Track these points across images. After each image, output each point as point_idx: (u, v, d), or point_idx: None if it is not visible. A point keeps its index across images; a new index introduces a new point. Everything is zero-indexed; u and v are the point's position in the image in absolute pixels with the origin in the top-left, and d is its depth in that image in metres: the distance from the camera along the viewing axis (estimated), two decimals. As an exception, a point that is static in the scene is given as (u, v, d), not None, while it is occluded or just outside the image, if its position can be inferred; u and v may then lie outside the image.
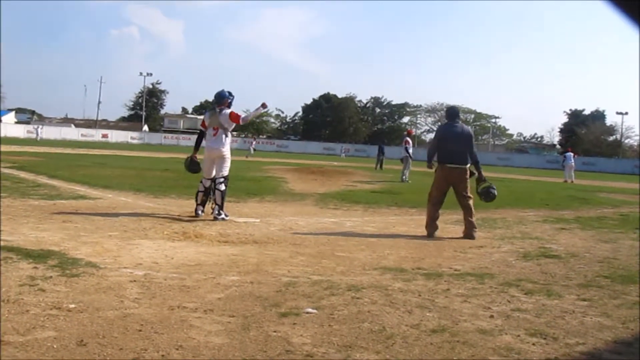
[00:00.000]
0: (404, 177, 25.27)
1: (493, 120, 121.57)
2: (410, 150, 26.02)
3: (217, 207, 10.73)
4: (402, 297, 5.66)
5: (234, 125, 11.16)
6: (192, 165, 11.67)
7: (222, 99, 11.22)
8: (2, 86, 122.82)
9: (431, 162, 10.71)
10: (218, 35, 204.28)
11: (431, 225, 10.16)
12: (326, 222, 11.07)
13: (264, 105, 11.60)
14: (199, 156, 11.52)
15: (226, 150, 10.97)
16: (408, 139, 26.98)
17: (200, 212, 10.99)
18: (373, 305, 5.33)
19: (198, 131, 11.86)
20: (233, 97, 11.36)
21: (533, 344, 4.39)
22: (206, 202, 11.09)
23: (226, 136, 11.02)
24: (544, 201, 18.27)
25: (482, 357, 4.11)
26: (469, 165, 10.32)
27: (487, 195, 10.75)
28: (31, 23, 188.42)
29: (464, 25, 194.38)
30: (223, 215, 10.66)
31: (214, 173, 11.04)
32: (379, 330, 4.58)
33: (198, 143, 11.55)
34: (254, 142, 59.94)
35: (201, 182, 11.13)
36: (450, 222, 11.62)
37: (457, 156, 10.18)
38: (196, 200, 11.12)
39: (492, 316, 5.12)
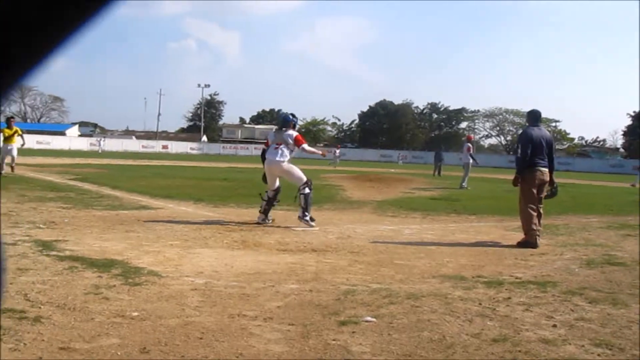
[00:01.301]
0: (463, 183, 24.97)
1: (553, 124, 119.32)
2: (474, 156, 25.72)
3: (301, 209, 10.99)
4: (462, 306, 5.60)
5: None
6: (264, 178, 12.01)
7: (287, 122, 11.73)
8: (66, 101, 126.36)
9: (524, 170, 10.08)
10: (273, 45, 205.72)
11: (534, 232, 9.73)
12: (384, 230, 11.04)
13: (323, 155, 12.45)
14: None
15: (286, 163, 11.28)
16: (469, 144, 26.64)
17: (260, 220, 11.20)
18: (433, 313, 5.30)
19: (261, 149, 12.28)
20: (297, 119, 11.97)
21: (598, 355, 4.30)
22: (269, 211, 11.32)
23: (288, 150, 11.36)
24: (607, 207, 17.88)
25: (545, 366, 4.05)
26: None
27: (551, 193, 10.46)
28: (92, 39, 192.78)
29: (521, 27, 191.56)
30: (308, 219, 10.91)
31: (277, 184, 11.43)
32: (439, 340, 4.54)
33: (263, 159, 11.82)
34: (337, 151, 58.73)
35: (266, 192, 11.43)
36: (510, 229, 11.45)
37: (545, 160, 10.00)
38: (260, 209, 11.38)
39: (555, 325, 5.03)
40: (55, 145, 74.38)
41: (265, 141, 12.02)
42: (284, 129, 11.61)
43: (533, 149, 9.97)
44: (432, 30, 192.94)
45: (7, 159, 22.46)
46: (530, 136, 10.11)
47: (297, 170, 11.35)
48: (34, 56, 0.41)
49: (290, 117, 11.88)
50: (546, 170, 10.03)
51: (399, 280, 6.75)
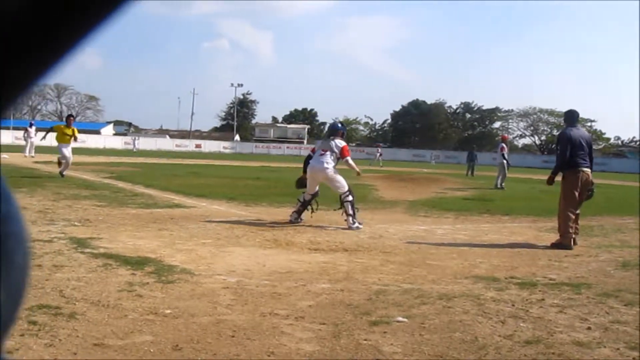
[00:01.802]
0: (498, 183, 24.74)
1: (588, 124, 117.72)
2: (507, 157, 25.46)
3: (349, 217, 10.96)
4: (495, 307, 5.56)
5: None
6: (299, 183, 12.18)
7: (336, 130, 11.91)
8: (101, 100, 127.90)
9: (565, 171, 10.01)
10: (306, 44, 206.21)
11: (570, 234, 9.61)
12: (416, 230, 11.00)
13: (358, 174, 12.24)
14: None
15: (331, 170, 11.31)
16: (503, 144, 26.38)
17: (292, 219, 11.28)
18: (465, 314, 5.27)
19: (306, 155, 12.43)
20: (345, 128, 12.25)
21: (634, 358, 4.24)
22: (302, 212, 11.38)
23: (334, 158, 11.41)
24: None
25: (579, 369, 4.00)
26: None
27: (589, 194, 10.32)
28: (126, 39, 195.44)
29: (554, 26, 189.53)
30: (357, 224, 10.90)
31: (317, 189, 11.51)
32: (471, 341, 4.52)
33: (305, 164, 11.95)
34: (379, 150, 58.03)
35: (303, 194, 11.51)
36: (544, 230, 11.34)
37: (587, 160, 9.89)
38: (294, 210, 11.48)
39: (589, 328, 4.97)
40: (90, 143, 75.25)
41: (312, 148, 12.20)
42: (332, 137, 11.71)
43: (574, 149, 9.84)
44: (465, 28, 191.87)
45: (64, 162, 19.84)
46: (569, 137, 9.97)
47: (341, 178, 11.36)
48: (52, 53, 0.41)
49: (339, 125, 12.20)
50: (589, 171, 9.91)
51: (431, 280, 6.72)
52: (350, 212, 10.97)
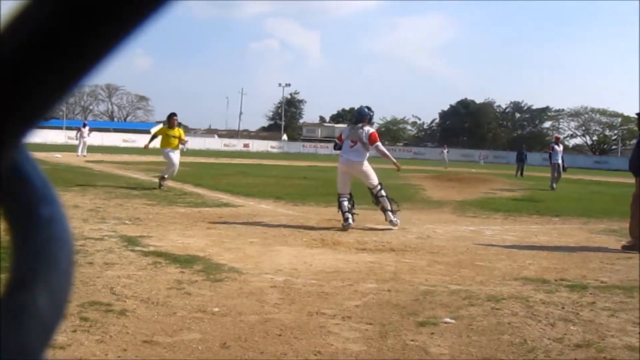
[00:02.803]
0: (551, 184, 24.25)
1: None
2: (555, 157, 24.97)
3: (388, 213, 10.66)
4: (544, 310, 5.48)
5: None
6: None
7: (363, 116, 11.24)
8: (151, 100, 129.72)
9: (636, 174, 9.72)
10: (354, 44, 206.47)
11: None
12: (464, 231, 10.89)
13: (397, 168, 11.78)
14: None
15: (365, 163, 10.89)
16: (553, 144, 25.93)
17: (350, 220, 10.62)
18: (513, 316, 5.21)
19: (334, 143, 11.93)
20: (373, 112, 11.48)
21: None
22: (350, 214, 10.67)
23: (365, 149, 10.92)
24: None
25: (631, 374, 3.93)
26: None
27: None
28: (178, 40, 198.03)
29: (606, 25, 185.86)
30: (396, 219, 10.66)
31: (348, 189, 10.94)
32: (520, 343, 4.46)
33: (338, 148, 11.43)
34: (446, 151, 57.25)
35: (340, 198, 10.87)
36: (595, 232, 11.14)
37: None
38: (341, 209, 10.78)
39: (642, 332, 4.87)
40: (140, 143, 76.00)
41: (339, 136, 11.55)
42: (360, 124, 11.10)
43: None
44: (514, 26, 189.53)
45: (170, 170, 16.82)
46: None
47: (373, 172, 10.96)
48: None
49: (366, 110, 11.41)
50: None
51: (479, 281, 6.65)
52: (389, 207, 10.69)
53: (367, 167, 10.94)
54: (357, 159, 10.88)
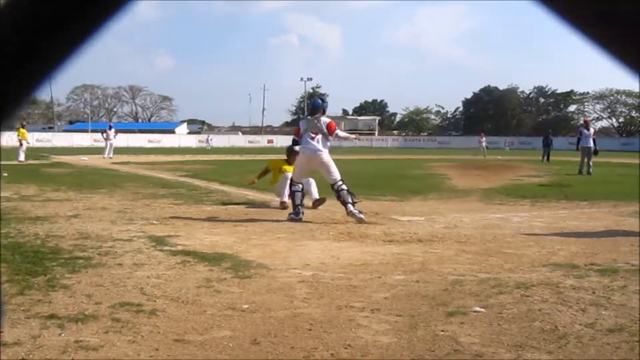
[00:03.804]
0: (583, 168, 23.89)
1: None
2: (590, 141, 24.41)
3: (349, 206, 10.48)
4: (575, 295, 5.44)
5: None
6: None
7: (317, 107, 11.33)
8: (174, 100, 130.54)
9: None
10: (374, 35, 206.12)
11: None
12: (492, 218, 10.83)
13: (356, 138, 12.23)
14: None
15: (326, 154, 10.90)
16: (581, 129, 25.54)
17: (302, 215, 10.63)
18: (544, 303, 5.17)
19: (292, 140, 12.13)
20: (327, 103, 11.53)
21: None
22: (300, 204, 10.77)
23: (327, 140, 10.92)
24: None
25: (665, 357, 3.89)
26: None
27: None
28: (198, 39, 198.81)
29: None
30: (360, 214, 10.41)
31: (304, 179, 11.12)
32: (551, 330, 4.44)
33: (290, 151, 12.07)
34: (484, 139, 55.67)
35: (293, 187, 10.99)
36: (625, 215, 11.03)
37: None
38: (294, 201, 10.83)
39: (675, 314, 4.81)
40: (165, 143, 77.02)
41: (296, 130, 11.58)
42: (315, 116, 11.09)
43: None
44: (534, 11, 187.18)
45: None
46: None
47: (334, 165, 10.92)
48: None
49: (320, 101, 11.51)
50: None
51: (507, 269, 6.62)
52: (349, 200, 10.52)
53: (329, 159, 10.93)
54: (320, 149, 10.86)
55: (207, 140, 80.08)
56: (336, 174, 10.78)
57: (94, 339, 4.20)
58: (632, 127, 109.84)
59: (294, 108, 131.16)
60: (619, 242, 8.44)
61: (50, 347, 4.05)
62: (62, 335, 4.29)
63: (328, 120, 11.11)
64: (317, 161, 10.91)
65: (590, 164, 23.92)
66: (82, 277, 6.02)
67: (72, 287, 5.60)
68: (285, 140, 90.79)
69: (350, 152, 50.91)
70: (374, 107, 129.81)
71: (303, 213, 10.64)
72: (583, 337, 4.29)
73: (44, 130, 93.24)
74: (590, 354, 3.97)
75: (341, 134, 11.52)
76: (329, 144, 11.02)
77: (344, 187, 10.68)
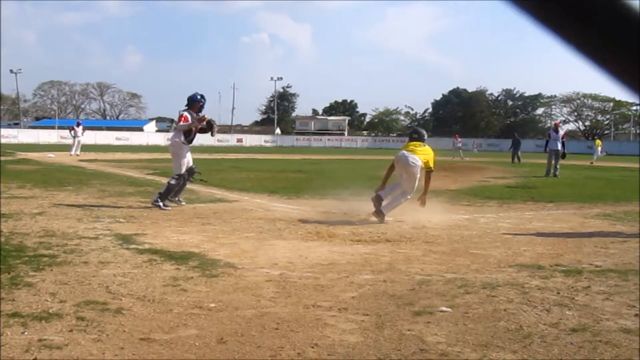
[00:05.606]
0: (550, 171, 24.10)
1: (634, 107, 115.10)
2: (558, 144, 24.60)
3: (157, 193, 11.37)
4: (540, 295, 5.51)
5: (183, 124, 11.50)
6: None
7: (193, 102, 11.73)
8: (143, 97, 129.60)
9: None
10: (345, 36, 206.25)
11: None
12: (459, 219, 10.91)
13: (200, 120, 11.78)
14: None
15: (175, 145, 11.51)
16: (552, 132, 25.74)
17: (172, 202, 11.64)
18: (509, 303, 5.23)
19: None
20: (205, 100, 11.88)
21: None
22: (179, 193, 11.79)
23: (177, 131, 11.52)
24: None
25: (627, 357, 3.95)
26: None
27: None
28: (168, 37, 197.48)
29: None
30: (160, 204, 11.20)
31: (185, 166, 11.67)
32: (516, 329, 4.48)
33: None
34: (459, 140, 54.80)
35: (172, 176, 11.73)
36: (590, 217, 11.18)
37: None
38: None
39: (637, 315, 4.89)
40: (133, 141, 76.29)
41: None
42: (188, 109, 11.65)
43: None
44: (505, 13, 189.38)
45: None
46: None
47: (180, 160, 11.43)
48: None
49: (198, 97, 11.82)
50: None
51: (474, 269, 6.67)
52: (163, 191, 11.26)
53: (174, 150, 11.51)
54: (171, 140, 11.55)
55: (176, 138, 79.41)
56: (177, 170, 11.44)
57: (58, 338, 4.15)
58: (598, 131, 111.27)
59: (264, 107, 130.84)
60: (584, 243, 8.55)
61: (13, 346, 3.99)
62: (26, 333, 4.23)
63: (184, 113, 11.55)
64: (170, 150, 11.73)
65: (558, 166, 24.20)
66: (46, 275, 5.95)
67: (37, 285, 5.54)
68: (254, 139, 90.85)
69: (321, 152, 51.01)
70: (344, 108, 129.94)
71: (167, 206, 11.28)
72: (547, 336, 4.34)
73: (9, 126, 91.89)
74: (554, 354, 4.02)
75: (179, 126, 11.72)
76: (180, 134, 11.54)
77: (173, 182, 11.32)
